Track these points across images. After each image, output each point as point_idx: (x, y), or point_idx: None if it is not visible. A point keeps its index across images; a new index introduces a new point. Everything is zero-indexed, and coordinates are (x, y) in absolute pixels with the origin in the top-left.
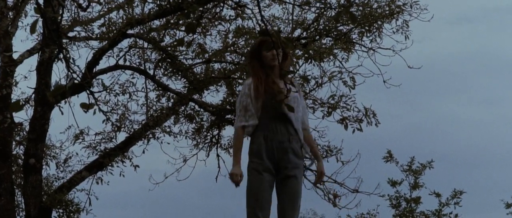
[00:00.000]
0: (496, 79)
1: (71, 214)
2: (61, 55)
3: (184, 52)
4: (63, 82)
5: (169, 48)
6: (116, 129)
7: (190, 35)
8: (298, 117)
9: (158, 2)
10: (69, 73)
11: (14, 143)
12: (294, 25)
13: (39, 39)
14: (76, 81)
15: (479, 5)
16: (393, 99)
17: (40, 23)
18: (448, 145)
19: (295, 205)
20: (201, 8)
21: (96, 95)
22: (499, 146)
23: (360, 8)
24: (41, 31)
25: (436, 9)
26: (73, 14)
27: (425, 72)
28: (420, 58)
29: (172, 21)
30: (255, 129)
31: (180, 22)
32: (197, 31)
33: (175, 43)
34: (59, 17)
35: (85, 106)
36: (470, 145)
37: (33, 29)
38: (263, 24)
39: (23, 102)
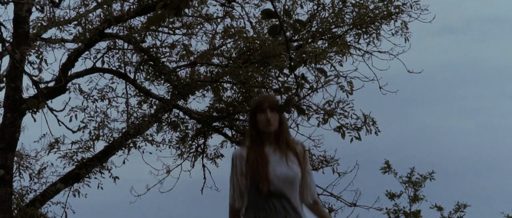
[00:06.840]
0: (480, 89)
1: None
2: (28, 58)
3: (168, 54)
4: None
5: (151, 50)
6: (92, 138)
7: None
8: (296, 193)
9: None
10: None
11: None
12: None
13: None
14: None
15: (462, 15)
16: (390, 106)
17: None
18: (431, 156)
19: None
20: None
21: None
22: (486, 156)
23: (355, 9)
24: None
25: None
26: (48, 14)
27: (412, 81)
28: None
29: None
30: (246, 208)
31: (165, 23)
32: (182, 32)
33: (151, 18)
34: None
35: (34, 105)
36: (453, 155)
37: None
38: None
39: None
